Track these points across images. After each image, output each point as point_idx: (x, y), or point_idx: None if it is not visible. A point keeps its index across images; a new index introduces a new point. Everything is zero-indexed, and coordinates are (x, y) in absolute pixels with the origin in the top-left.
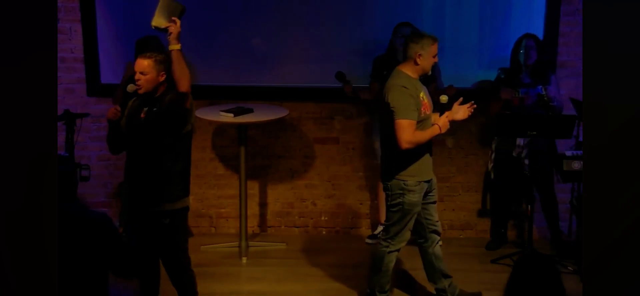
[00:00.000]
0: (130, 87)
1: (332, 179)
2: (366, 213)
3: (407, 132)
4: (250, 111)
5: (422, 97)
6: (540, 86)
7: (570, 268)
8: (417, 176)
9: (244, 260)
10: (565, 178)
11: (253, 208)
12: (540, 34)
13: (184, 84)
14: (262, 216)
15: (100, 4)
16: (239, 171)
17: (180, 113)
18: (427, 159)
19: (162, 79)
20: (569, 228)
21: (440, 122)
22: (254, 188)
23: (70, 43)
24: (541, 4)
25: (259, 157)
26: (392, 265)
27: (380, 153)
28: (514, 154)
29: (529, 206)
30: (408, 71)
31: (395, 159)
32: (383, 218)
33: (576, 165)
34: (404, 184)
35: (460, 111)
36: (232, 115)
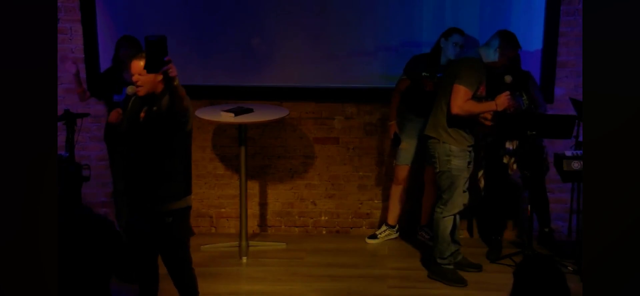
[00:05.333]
0: (130, 90)
1: (332, 179)
2: (366, 213)
3: (461, 98)
4: (250, 111)
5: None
6: (518, 93)
7: (570, 268)
8: (461, 143)
9: (244, 259)
10: (565, 177)
11: (253, 208)
12: (540, 34)
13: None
14: (262, 216)
15: (100, 4)
16: (239, 171)
17: (182, 112)
18: (470, 129)
19: (160, 77)
20: (568, 228)
21: (498, 101)
22: (254, 188)
23: (70, 43)
24: (541, 4)
25: (259, 157)
26: (448, 231)
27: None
28: (504, 161)
29: (529, 206)
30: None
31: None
32: (391, 218)
33: (576, 165)
34: (449, 149)
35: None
36: (232, 115)
